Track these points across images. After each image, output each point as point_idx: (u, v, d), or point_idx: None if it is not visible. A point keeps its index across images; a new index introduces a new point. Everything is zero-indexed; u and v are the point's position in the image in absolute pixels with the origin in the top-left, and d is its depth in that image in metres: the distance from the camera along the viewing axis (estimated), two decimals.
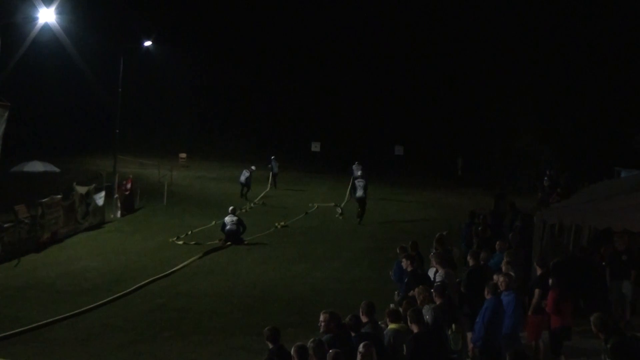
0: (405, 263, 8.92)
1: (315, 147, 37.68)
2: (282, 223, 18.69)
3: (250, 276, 13.37)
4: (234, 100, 44.41)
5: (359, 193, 19.70)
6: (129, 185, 20.90)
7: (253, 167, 24.61)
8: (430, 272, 8.98)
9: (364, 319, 6.22)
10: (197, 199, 24.01)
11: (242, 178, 23.65)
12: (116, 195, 19.95)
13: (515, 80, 39.04)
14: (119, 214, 19.74)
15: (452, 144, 40.03)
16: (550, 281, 8.15)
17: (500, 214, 15.38)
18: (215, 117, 44.09)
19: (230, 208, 17.07)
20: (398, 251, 9.96)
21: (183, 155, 36.29)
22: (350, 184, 21.82)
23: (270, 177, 26.68)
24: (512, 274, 8.07)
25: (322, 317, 5.91)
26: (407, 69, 42.97)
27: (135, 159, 33.77)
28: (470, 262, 8.93)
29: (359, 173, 22.54)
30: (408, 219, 21.21)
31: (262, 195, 24.66)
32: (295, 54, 44.03)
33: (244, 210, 20.78)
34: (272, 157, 26.95)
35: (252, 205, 22.53)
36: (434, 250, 10.36)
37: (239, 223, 16.40)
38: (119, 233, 17.45)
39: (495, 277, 7.74)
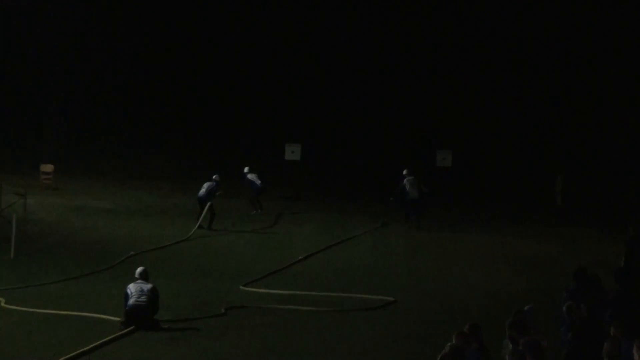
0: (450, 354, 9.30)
1: (293, 152, 38.59)
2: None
3: None
4: (143, 78, 45.09)
5: (413, 194, 28.68)
6: None
7: (215, 177, 29.32)
8: None
9: None
10: (74, 248, 24.32)
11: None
12: None
13: None
14: None
15: (546, 152, 40.99)
16: None
17: (635, 272, 16.01)
18: (107, 105, 44.65)
19: (139, 270, 17.08)
20: (453, 340, 10.32)
21: (48, 168, 36.45)
22: (398, 188, 29.25)
23: (253, 198, 31.66)
24: None
25: None
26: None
27: None
28: None
29: (405, 172, 29.59)
30: (461, 280, 21.73)
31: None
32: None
33: None
34: (246, 170, 31.92)
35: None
36: (508, 342, 10.82)
37: (152, 296, 16.43)
38: None
39: None
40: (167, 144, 42.78)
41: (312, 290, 20.01)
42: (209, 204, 28.20)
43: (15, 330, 15.83)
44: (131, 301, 16.27)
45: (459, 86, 44.23)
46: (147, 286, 16.53)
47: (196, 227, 27.53)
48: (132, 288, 16.47)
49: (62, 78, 45.11)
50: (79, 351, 14.30)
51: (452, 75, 44.56)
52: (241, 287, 19.96)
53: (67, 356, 13.90)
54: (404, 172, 29.48)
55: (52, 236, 25.55)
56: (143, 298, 16.28)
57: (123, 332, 15.73)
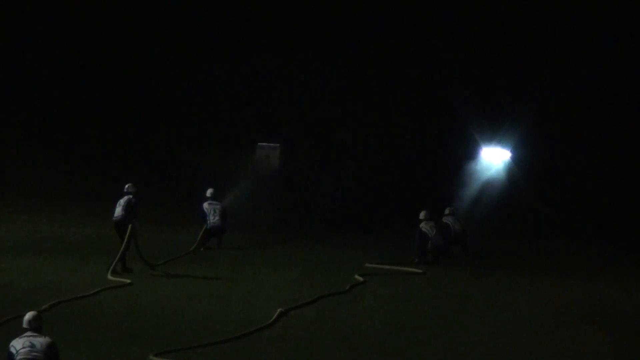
0: None
1: (268, 157, 40.25)
2: None
3: None
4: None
5: (438, 241, 31.97)
6: None
7: (128, 187, 29.73)
8: None
9: None
10: None
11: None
12: None
13: None
14: None
15: None
16: None
17: None
18: None
19: (29, 317, 16.44)
20: None
21: None
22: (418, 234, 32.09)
23: (201, 233, 33.27)
24: None
25: None
26: None
27: None
28: None
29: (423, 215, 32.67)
30: (523, 352, 21.69)
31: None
32: None
33: None
34: (209, 192, 33.91)
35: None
36: None
37: (50, 354, 15.99)
38: None
39: None
40: (75, 148, 43.14)
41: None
42: (130, 226, 28.50)
43: None
44: None
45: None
46: (41, 340, 15.97)
47: (112, 265, 28.11)
48: (17, 344, 15.91)
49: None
50: None
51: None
52: (151, 357, 19.39)
53: None
54: (421, 215, 32.17)
55: None
56: (35, 354, 15.75)
57: None
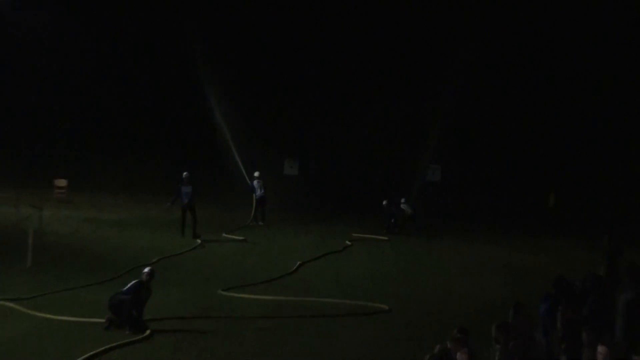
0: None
1: (291, 167, 39.71)
2: None
3: None
4: (144, 94, 45.90)
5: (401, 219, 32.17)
6: None
7: (186, 175, 28.28)
8: None
9: None
10: (88, 257, 23.97)
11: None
12: None
13: None
14: None
15: (539, 169, 41.92)
16: None
17: (613, 281, 15.18)
18: (114, 121, 45.30)
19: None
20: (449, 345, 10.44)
21: (62, 182, 36.71)
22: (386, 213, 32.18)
23: (254, 206, 32.39)
24: None
25: None
26: None
27: None
28: None
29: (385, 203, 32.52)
30: (452, 291, 21.59)
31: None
32: None
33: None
34: (256, 173, 32.69)
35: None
36: (496, 347, 10.99)
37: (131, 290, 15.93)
38: None
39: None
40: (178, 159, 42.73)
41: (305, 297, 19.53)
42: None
43: (30, 335, 15.41)
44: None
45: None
46: (132, 281, 16.19)
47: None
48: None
49: (74, 98, 45.31)
50: (88, 354, 13.87)
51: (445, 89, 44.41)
52: (220, 292, 19.48)
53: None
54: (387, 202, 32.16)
55: (67, 246, 25.41)
56: (122, 289, 16.06)
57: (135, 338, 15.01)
